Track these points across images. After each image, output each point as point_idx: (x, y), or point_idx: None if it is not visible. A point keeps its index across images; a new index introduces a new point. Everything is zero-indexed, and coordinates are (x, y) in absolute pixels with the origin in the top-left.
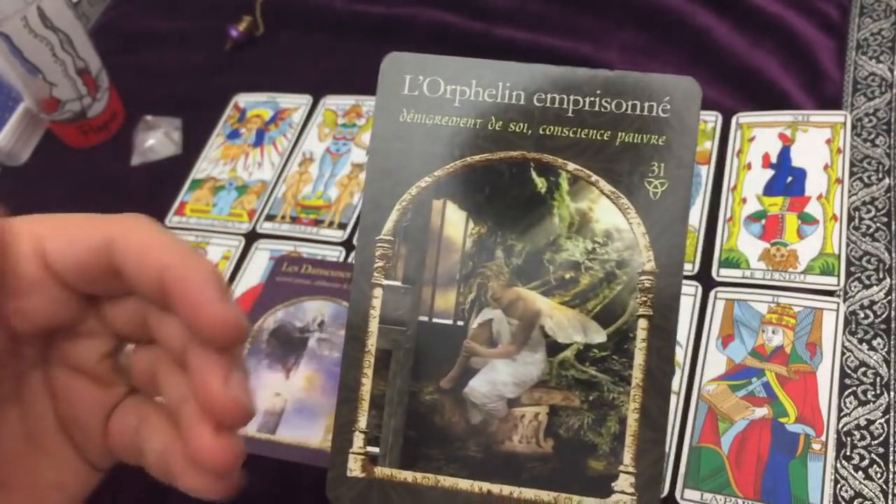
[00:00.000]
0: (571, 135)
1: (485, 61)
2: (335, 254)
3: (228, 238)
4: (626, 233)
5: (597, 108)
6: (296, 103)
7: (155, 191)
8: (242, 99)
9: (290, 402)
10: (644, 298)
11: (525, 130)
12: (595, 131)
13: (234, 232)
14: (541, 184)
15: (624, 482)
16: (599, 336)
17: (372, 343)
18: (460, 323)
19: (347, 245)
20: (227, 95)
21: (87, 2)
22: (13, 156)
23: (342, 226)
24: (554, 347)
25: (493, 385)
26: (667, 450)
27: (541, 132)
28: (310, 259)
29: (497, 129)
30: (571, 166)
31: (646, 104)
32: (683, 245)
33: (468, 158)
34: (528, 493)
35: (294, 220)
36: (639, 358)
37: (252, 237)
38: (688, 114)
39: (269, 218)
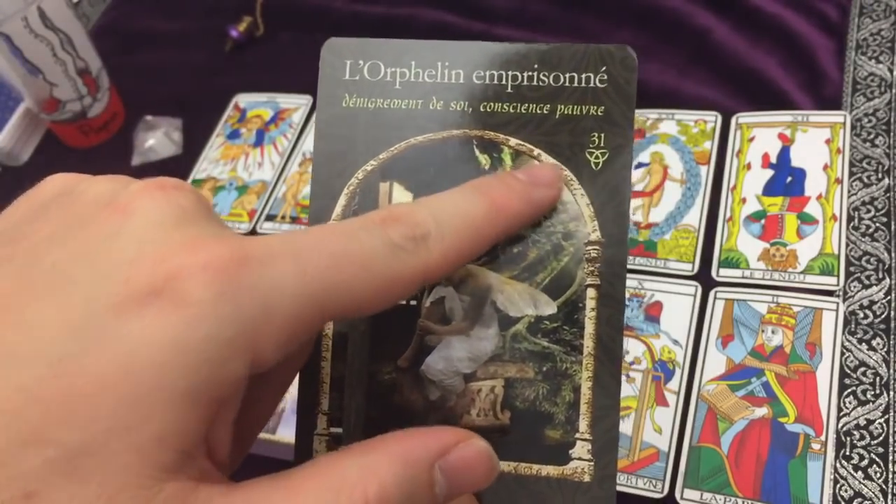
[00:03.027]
0: (511, 110)
1: (423, 42)
2: None
3: None
4: (570, 204)
5: (535, 83)
6: (296, 103)
7: None
8: (242, 99)
9: (290, 402)
10: (591, 268)
11: (466, 108)
12: (534, 105)
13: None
14: (484, 160)
15: (581, 449)
16: (550, 308)
17: (329, 326)
18: (413, 303)
19: None
20: (227, 95)
21: (87, 2)
22: (13, 156)
23: None
24: (506, 321)
25: (448, 361)
26: (620, 416)
27: (482, 109)
28: None
29: (438, 108)
30: (513, 141)
31: (583, 75)
32: (627, 213)
33: (412, 140)
34: None
35: (294, 220)
36: (589, 327)
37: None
38: (625, 83)
39: (270, 218)
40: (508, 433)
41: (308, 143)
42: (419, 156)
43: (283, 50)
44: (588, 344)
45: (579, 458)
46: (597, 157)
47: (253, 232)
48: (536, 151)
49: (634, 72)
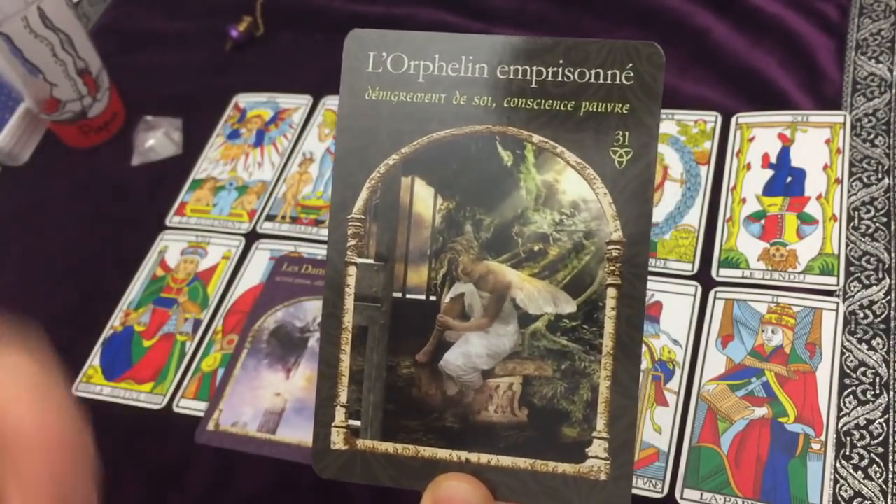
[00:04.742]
0: (535, 106)
1: (447, 35)
2: None
3: (228, 238)
4: (592, 203)
5: (560, 79)
6: (296, 103)
7: (155, 191)
8: (242, 99)
9: (290, 402)
10: (612, 268)
11: (489, 104)
12: (559, 102)
13: (234, 232)
14: (507, 157)
15: (597, 447)
16: (570, 306)
17: (348, 320)
18: (433, 298)
19: None
20: (227, 95)
21: (87, 2)
22: (13, 156)
23: None
24: (525, 319)
25: (467, 357)
26: (638, 414)
27: (505, 105)
28: (310, 259)
29: (461, 103)
30: (536, 138)
31: (609, 72)
32: (650, 213)
33: (434, 134)
34: (505, 460)
35: (294, 220)
36: (609, 326)
37: (252, 237)
38: (652, 80)
39: (270, 218)
40: (525, 430)
41: (308, 144)
42: (442, 151)
43: (283, 50)
44: (607, 343)
45: (596, 457)
46: (621, 156)
47: (253, 232)
48: (559, 149)
49: (661, 69)
